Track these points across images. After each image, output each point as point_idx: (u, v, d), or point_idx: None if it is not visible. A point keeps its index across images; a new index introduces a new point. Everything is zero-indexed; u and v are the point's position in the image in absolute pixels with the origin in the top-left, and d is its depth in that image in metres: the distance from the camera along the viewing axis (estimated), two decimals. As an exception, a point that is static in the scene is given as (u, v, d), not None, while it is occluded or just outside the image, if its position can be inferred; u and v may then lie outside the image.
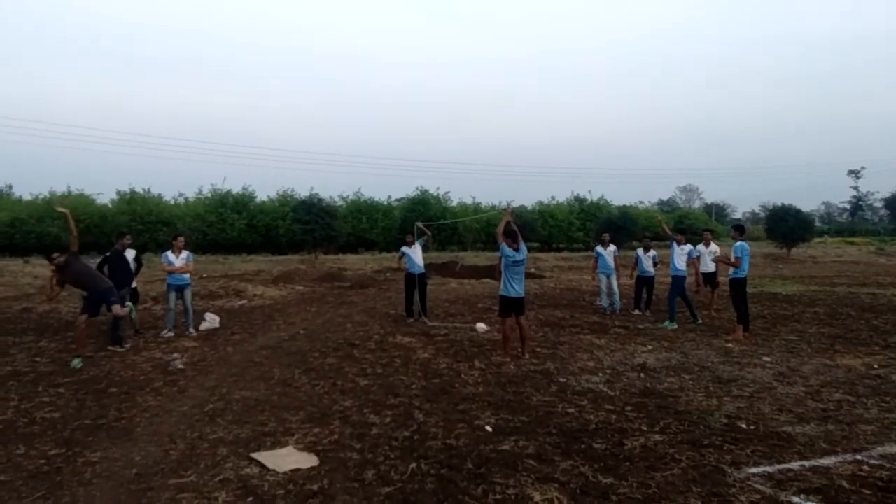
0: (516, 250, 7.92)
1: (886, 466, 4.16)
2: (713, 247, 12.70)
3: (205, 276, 20.45)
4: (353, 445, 4.71)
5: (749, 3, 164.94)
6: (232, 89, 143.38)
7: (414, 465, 4.31)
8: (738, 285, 9.46)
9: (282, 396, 6.25)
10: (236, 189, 39.07)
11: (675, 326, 10.33)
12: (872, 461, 4.27)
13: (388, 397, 6.13)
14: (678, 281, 10.83)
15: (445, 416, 5.47)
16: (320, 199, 33.22)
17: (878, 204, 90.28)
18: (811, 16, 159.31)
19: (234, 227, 36.25)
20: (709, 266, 12.57)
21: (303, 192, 37.50)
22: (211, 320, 10.89)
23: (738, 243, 9.54)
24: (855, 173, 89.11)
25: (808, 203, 69.34)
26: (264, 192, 41.31)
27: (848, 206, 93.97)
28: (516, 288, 7.94)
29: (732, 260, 9.49)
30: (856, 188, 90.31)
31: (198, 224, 35.26)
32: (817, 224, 66.30)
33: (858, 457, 4.36)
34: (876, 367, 7.28)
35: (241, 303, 14.59)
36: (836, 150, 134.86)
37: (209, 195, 39.10)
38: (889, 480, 3.92)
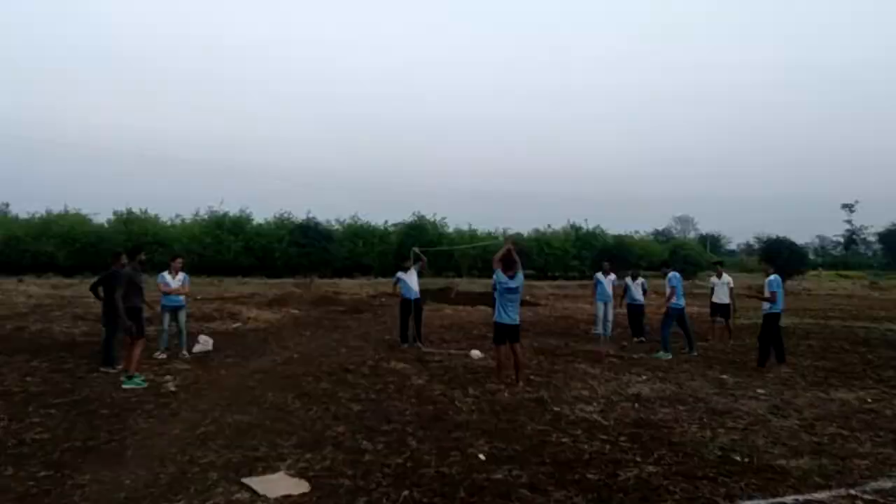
0: (511, 277, 7.95)
1: (880, 501, 4.15)
2: (726, 278, 12.63)
3: (199, 297, 20.37)
4: (346, 472, 4.68)
5: (742, 35, 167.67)
6: (233, 110, 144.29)
7: (406, 492, 4.28)
8: (771, 320, 9.46)
9: (274, 421, 6.20)
10: (233, 211, 39.18)
11: (670, 356, 10.31)
12: (866, 496, 4.26)
13: (382, 423, 6.09)
14: (674, 311, 10.81)
15: (439, 443, 5.44)
16: (317, 223, 33.40)
17: (872, 238, 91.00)
18: (806, 50, 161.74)
19: (230, 249, 36.24)
20: (721, 298, 12.52)
21: (300, 216, 37.59)
22: (204, 342, 10.83)
23: (772, 276, 9.55)
24: (849, 207, 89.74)
25: (801, 236, 69.85)
26: (262, 215, 41.38)
27: (841, 240, 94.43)
28: (510, 315, 7.95)
29: (767, 294, 9.48)
30: (849, 222, 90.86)
31: (194, 245, 35.23)
32: (811, 257, 66.56)
33: (852, 491, 4.36)
34: (870, 401, 7.29)
35: (235, 325, 14.53)
36: (830, 184, 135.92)
37: (206, 217, 39.17)
38: (883, 516, 3.91)
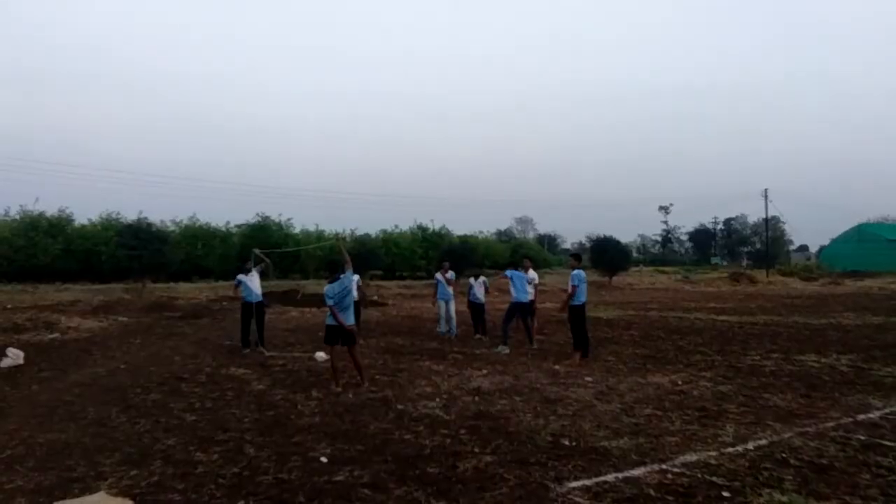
0: (335, 281, 7.88)
1: (687, 474, 4.61)
2: (532, 273, 13.33)
3: (9, 306, 18.26)
4: (176, 486, 4.41)
5: (579, 48, 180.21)
6: (52, 99, 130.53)
7: (242, 502, 4.11)
8: (576, 312, 9.99)
9: (95, 437, 5.71)
10: (51, 211, 35.43)
11: (508, 350, 10.79)
12: (675, 469, 4.71)
13: (217, 433, 5.82)
14: (517, 306, 11.30)
15: (279, 449, 5.29)
16: (149, 224, 31.12)
17: (684, 237, 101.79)
18: (634, 67, 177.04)
19: (47, 252, 32.70)
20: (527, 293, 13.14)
21: (130, 216, 34.79)
22: (14, 356, 9.75)
23: (576, 271, 10.13)
24: (665, 209, 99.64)
25: (626, 235, 76.02)
26: (85, 215, 37.72)
27: (659, 239, 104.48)
28: (339, 317, 7.83)
29: (569, 288, 10.04)
30: (665, 223, 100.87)
31: (3, 249, 31.40)
32: (635, 255, 72.95)
33: (664, 466, 4.79)
34: (680, 383, 8.08)
35: (52, 336, 13.19)
36: (649, 188, 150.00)
37: (17, 217, 35.06)
38: (689, 486, 4.35)
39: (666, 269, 62.42)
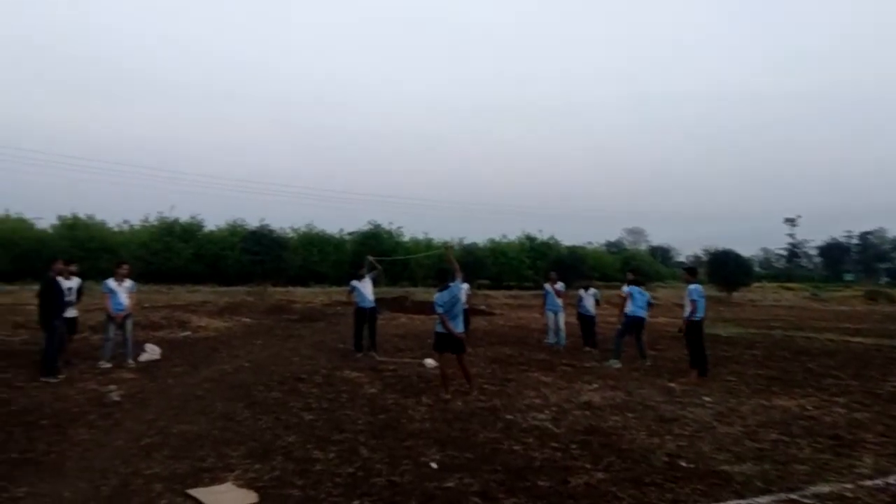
0: (444, 289, 7.95)
1: (818, 505, 4.29)
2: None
3: (147, 305, 19.85)
4: (296, 482, 4.61)
5: (691, 53, 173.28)
6: (183, 115, 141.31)
7: (357, 501, 4.24)
8: (694, 328, 9.58)
9: (223, 431, 6.08)
10: (184, 217, 38.30)
11: (619, 365, 10.50)
12: (806, 500, 4.39)
13: (333, 433, 6.03)
14: (633, 321, 10.98)
15: (391, 452, 5.41)
16: (271, 230, 32.85)
17: (813, 251, 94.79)
18: (750, 74, 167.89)
19: (180, 256, 35.39)
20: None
21: (253, 223, 36.91)
22: (151, 351, 10.57)
23: (693, 286, 9.73)
24: (791, 221, 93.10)
25: (747, 248, 72.01)
26: (213, 222, 40.51)
27: (784, 253, 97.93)
28: (448, 325, 7.89)
29: (689, 304, 9.64)
30: (792, 235, 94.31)
31: (142, 252, 34.27)
32: (756, 269, 68.75)
33: (792, 496, 4.48)
34: (809, 408, 7.52)
35: (184, 334, 14.21)
36: (774, 199, 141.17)
37: (156, 223, 38.16)
38: (820, 518, 4.04)
39: (792, 285, 58.50)
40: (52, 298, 8.84)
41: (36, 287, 9.75)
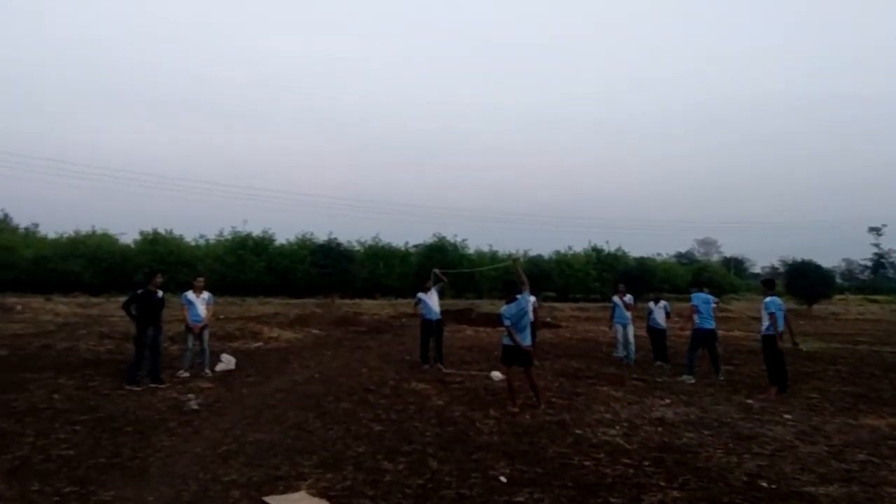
0: (512, 301, 7.91)
1: (914, 531, 4.04)
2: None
3: (222, 317, 20.56)
4: (366, 492, 4.67)
5: (767, 59, 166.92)
6: (253, 132, 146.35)
7: (427, 514, 4.25)
8: (772, 342, 9.23)
9: (295, 440, 6.22)
10: (256, 232, 39.56)
11: (693, 380, 10.18)
12: (899, 525, 4.14)
13: (402, 444, 6.08)
14: (702, 333, 10.68)
15: (459, 464, 5.41)
16: (338, 244, 33.50)
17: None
18: (829, 75, 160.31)
19: (252, 269, 36.51)
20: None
21: (321, 236, 37.81)
22: (227, 361, 10.92)
23: (771, 298, 9.39)
24: (876, 230, 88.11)
25: (827, 259, 68.55)
26: (284, 236, 41.67)
27: (869, 264, 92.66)
28: (516, 337, 7.83)
29: (766, 317, 9.31)
30: (877, 245, 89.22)
31: (217, 266, 35.57)
32: (838, 281, 65.41)
33: (884, 520, 4.24)
34: (901, 428, 7.10)
35: (257, 345, 14.63)
36: (857, 207, 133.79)
37: (229, 237, 39.57)
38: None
39: (878, 297, 55.29)
40: (148, 310, 9.30)
41: (123, 299, 10.22)
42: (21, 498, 4.49)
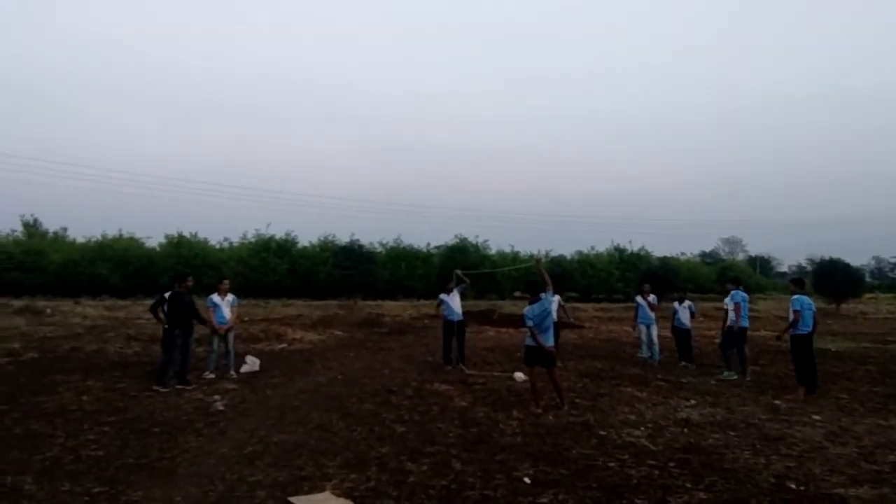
0: (535, 302, 7.88)
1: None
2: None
3: (246, 319, 20.76)
4: (390, 493, 4.68)
5: (795, 58, 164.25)
6: (276, 136, 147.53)
7: (451, 515, 4.25)
8: (800, 342, 9.11)
9: (319, 441, 6.26)
10: (279, 234, 39.90)
11: (735, 377, 10.13)
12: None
13: (426, 445, 6.09)
14: (741, 332, 10.51)
15: (483, 465, 5.41)
16: (360, 246, 33.69)
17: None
18: (858, 72, 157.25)
19: (275, 271, 36.82)
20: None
21: (343, 238, 38.05)
22: (251, 363, 11.02)
23: (797, 296, 9.26)
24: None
25: (856, 257, 67.09)
26: (306, 238, 42.01)
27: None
28: (538, 338, 7.80)
29: (791, 314, 9.20)
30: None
31: (241, 268, 35.92)
32: (868, 279, 64.13)
33: (917, 523, 4.15)
34: (934, 428, 6.94)
35: (280, 346, 14.75)
36: (885, 205, 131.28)
37: (253, 240, 39.96)
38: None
39: (909, 296, 54.18)
40: (177, 311, 9.43)
41: (149, 301, 10.36)
42: (52, 498, 4.58)
